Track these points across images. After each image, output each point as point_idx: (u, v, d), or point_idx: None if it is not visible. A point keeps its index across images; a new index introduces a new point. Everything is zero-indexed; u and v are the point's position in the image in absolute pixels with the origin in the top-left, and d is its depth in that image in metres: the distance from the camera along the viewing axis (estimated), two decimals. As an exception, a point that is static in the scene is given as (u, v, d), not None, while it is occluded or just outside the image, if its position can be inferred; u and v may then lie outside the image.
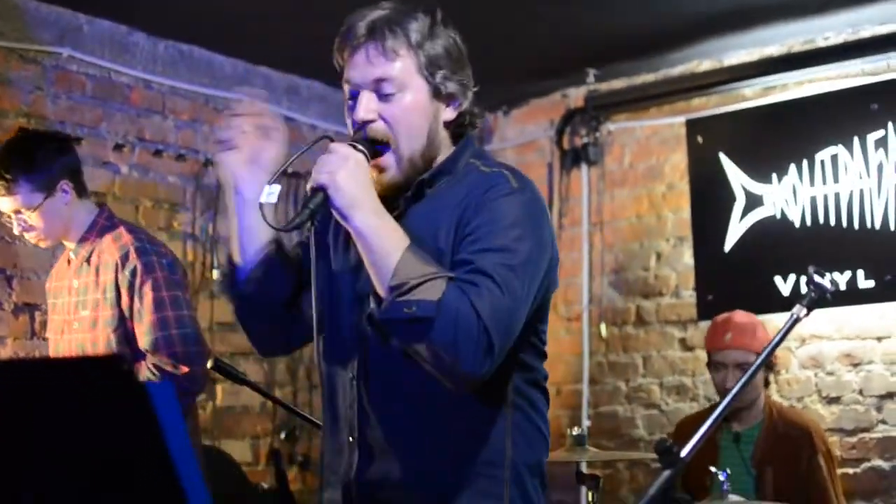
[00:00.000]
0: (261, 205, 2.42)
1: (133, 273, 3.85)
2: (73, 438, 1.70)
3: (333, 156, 2.37)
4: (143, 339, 3.84)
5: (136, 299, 3.84)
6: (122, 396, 1.61)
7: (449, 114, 2.56)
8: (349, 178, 2.34)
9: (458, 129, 2.59)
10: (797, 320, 2.51)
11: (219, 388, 5.75)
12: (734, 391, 2.38)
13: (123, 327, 3.88)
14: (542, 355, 2.60)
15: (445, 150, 2.57)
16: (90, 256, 3.97)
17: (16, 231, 4.01)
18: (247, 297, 2.64)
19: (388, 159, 2.48)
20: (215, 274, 5.74)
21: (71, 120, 5.27)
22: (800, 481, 4.59)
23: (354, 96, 2.50)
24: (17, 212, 3.92)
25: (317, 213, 2.35)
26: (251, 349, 5.90)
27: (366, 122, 2.47)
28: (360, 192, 2.35)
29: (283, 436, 5.18)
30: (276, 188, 2.41)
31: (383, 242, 2.34)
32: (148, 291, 3.83)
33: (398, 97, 2.47)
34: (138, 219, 5.48)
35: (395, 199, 2.50)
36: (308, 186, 2.38)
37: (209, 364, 3.73)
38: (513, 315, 2.34)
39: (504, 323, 2.31)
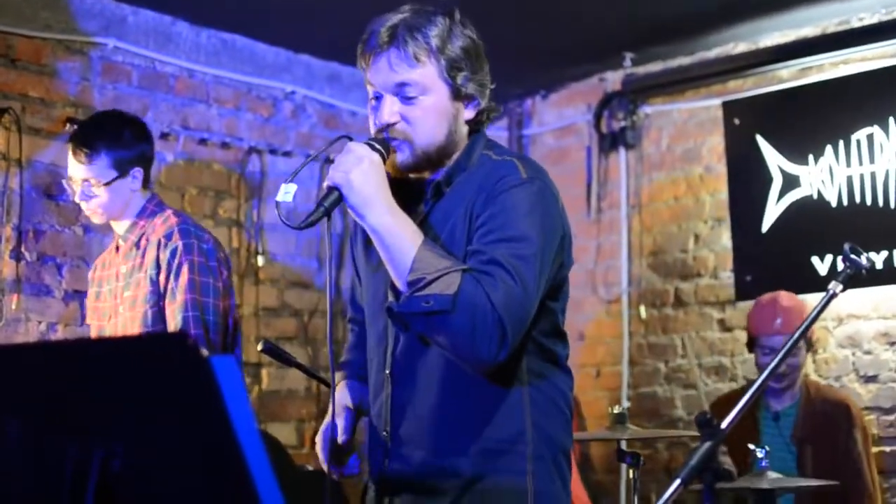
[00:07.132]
0: (277, 203, 2.51)
1: (174, 252, 3.90)
2: (140, 412, 1.78)
3: (349, 155, 2.48)
4: (174, 318, 3.89)
5: (172, 278, 3.90)
6: (188, 371, 1.69)
7: (469, 113, 2.66)
8: (363, 178, 2.45)
9: (475, 125, 2.70)
10: (833, 296, 2.59)
11: (264, 373, 5.84)
12: (770, 367, 2.44)
13: (160, 305, 3.93)
14: (558, 333, 2.69)
15: (463, 145, 2.67)
16: (139, 240, 4.03)
17: (76, 198, 4.06)
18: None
19: (402, 146, 2.58)
20: (260, 260, 5.85)
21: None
22: (837, 456, 4.64)
23: (378, 97, 2.61)
24: (86, 181, 3.99)
25: (331, 211, 2.46)
26: (295, 333, 6.02)
27: (389, 124, 2.57)
28: (374, 191, 2.46)
29: (327, 419, 5.27)
30: (293, 187, 2.50)
31: (398, 240, 2.45)
32: (185, 272, 3.89)
33: (420, 100, 2.58)
34: (184, 206, 5.57)
35: (414, 191, 2.62)
36: (324, 185, 2.50)
37: (259, 347, 3.80)
38: (525, 304, 2.46)
39: (517, 312, 2.43)
